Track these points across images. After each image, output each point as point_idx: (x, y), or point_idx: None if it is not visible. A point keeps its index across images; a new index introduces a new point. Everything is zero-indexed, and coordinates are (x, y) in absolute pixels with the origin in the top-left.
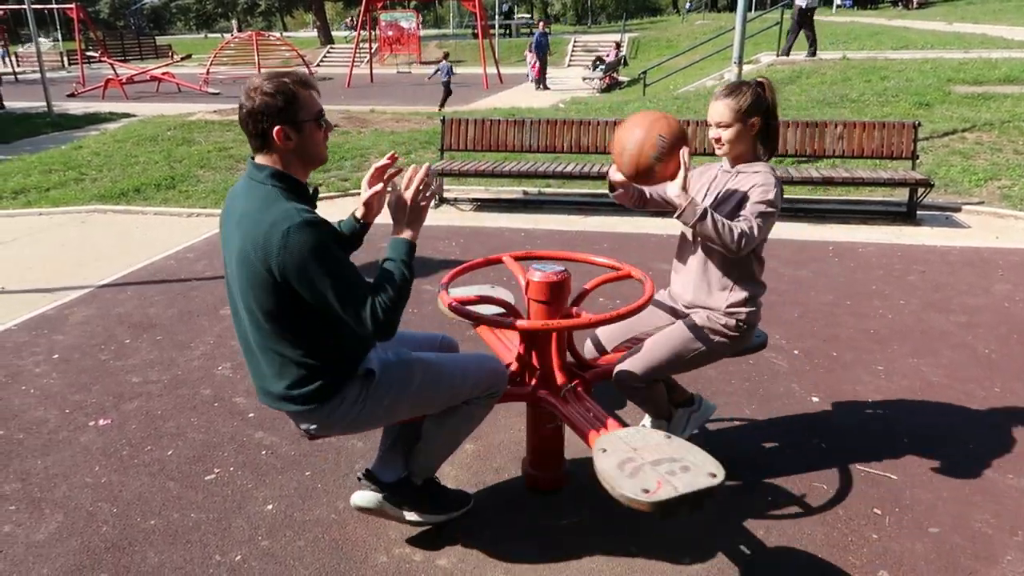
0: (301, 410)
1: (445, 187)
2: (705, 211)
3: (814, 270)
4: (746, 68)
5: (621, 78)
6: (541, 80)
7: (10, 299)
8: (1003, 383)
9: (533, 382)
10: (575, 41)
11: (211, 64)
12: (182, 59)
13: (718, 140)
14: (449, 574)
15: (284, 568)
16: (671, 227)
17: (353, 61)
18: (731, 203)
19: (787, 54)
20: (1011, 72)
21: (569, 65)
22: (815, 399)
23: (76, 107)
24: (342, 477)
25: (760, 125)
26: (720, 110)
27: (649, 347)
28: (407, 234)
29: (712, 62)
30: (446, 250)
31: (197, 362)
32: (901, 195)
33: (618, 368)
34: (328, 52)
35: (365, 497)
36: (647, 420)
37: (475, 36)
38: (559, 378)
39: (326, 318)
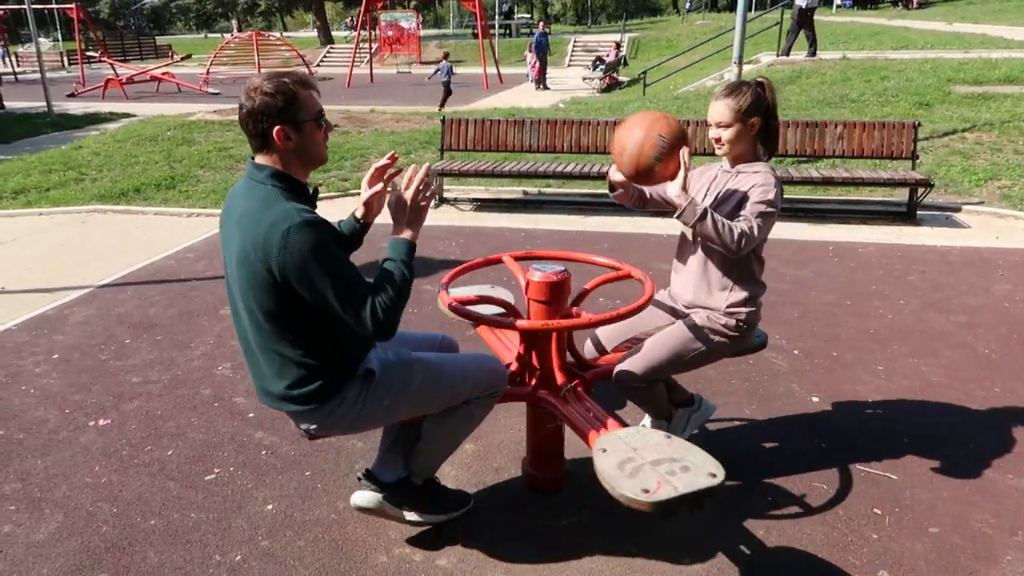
0: (301, 410)
1: (445, 187)
2: (705, 211)
3: (814, 270)
4: (746, 68)
5: (621, 78)
6: (541, 80)
7: (10, 299)
8: (1003, 383)
9: (533, 382)
10: (575, 41)
11: (211, 64)
12: (182, 59)
13: (718, 140)
14: (449, 574)
15: (284, 568)
16: (671, 227)
17: (353, 61)
18: (731, 203)
19: (787, 54)
20: (1011, 72)
21: (569, 65)
22: (815, 399)
23: (76, 107)
24: (342, 477)
25: (760, 125)
26: (720, 110)
27: (649, 347)
28: (407, 234)
29: (712, 62)
30: (446, 250)
31: (197, 362)
32: (901, 195)
33: (618, 368)
34: (328, 52)
35: (365, 497)
36: (647, 420)
37: (475, 36)
38: (559, 378)
39: (326, 318)
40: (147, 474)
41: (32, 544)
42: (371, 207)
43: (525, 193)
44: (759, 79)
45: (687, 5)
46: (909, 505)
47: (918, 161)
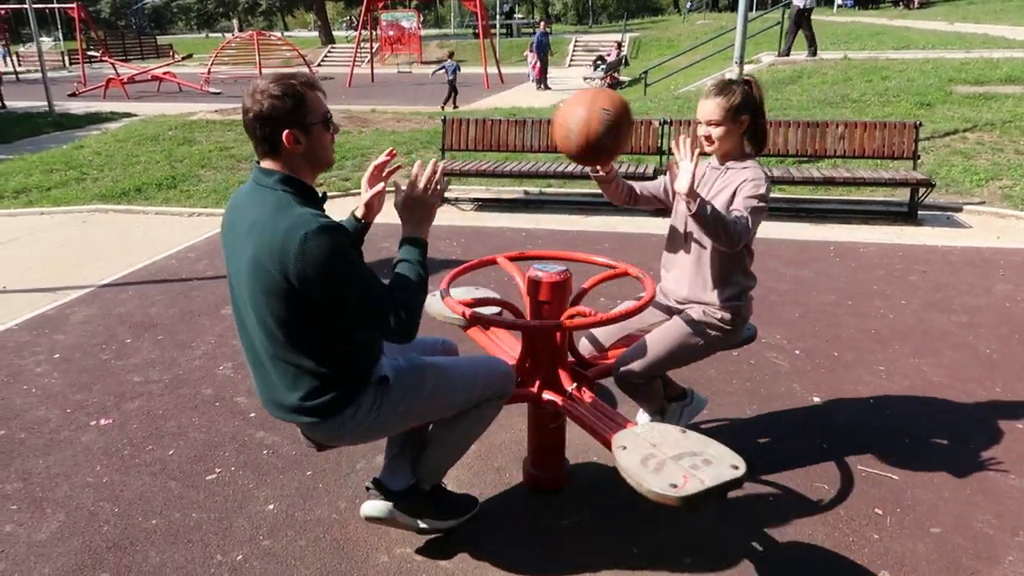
0: (314, 422)
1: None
2: (713, 208)
3: (815, 270)
4: (747, 68)
5: (622, 78)
6: (542, 80)
7: (11, 299)
8: (1004, 383)
9: (538, 383)
10: (576, 41)
11: (212, 64)
12: (183, 59)
13: (708, 138)
14: (450, 574)
15: (285, 568)
16: None
17: (354, 61)
18: (722, 199)
19: (787, 54)
20: (1012, 72)
21: (570, 65)
22: (816, 399)
23: (77, 107)
24: (343, 477)
25: (749, 123)
26: (711, 108)
27: (649, 344)
28: (419, 233)
29: (713, 62)
30: (447, 250)
31: (198, 362)
32: (902, 195)
33: (620, 366)
34: (329, 52)
35: (376, 507)
36: (641, 415)
37: (476, 36)
38: (563, 378)
39: (339, 325)
40: (148, 474)
41: (34, 544)
42: (372, 207)
43: (526, 193)
44: (746, 77)
45: (688, 5)
46: (910, 505)
47: (919, 161)
